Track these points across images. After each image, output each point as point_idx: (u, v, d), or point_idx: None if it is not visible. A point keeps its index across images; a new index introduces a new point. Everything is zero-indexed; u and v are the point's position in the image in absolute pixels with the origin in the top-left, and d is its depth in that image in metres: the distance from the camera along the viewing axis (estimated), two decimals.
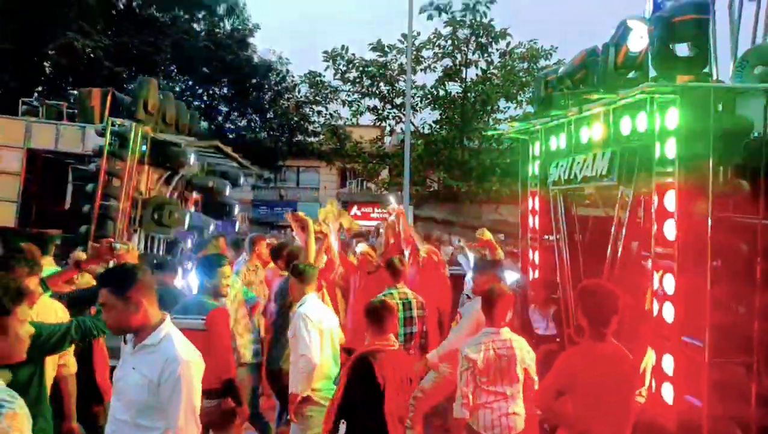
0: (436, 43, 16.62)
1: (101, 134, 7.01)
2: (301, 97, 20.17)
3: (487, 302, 3.77)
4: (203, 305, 3.85)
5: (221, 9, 20.69)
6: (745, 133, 3.63)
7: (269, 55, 21.38)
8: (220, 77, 20.02)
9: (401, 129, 19.40)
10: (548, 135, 5.48)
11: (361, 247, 6.66)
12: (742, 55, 4.88)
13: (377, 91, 18.20)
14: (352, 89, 18.46)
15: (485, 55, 16.61)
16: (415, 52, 16.38)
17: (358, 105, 18.91)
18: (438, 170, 19.02)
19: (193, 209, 9.31)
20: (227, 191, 9.35)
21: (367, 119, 20.17)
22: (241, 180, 10.15)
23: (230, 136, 20.80)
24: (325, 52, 17.38)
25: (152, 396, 2.27)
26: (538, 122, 5.60)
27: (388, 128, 20.35)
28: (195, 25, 20.02)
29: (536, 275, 5.69)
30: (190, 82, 20.97)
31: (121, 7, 18.64)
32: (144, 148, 7.32)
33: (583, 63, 4.86)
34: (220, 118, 21.90)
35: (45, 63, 17.31)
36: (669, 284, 3.61)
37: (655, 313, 3.72)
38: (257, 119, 22.17)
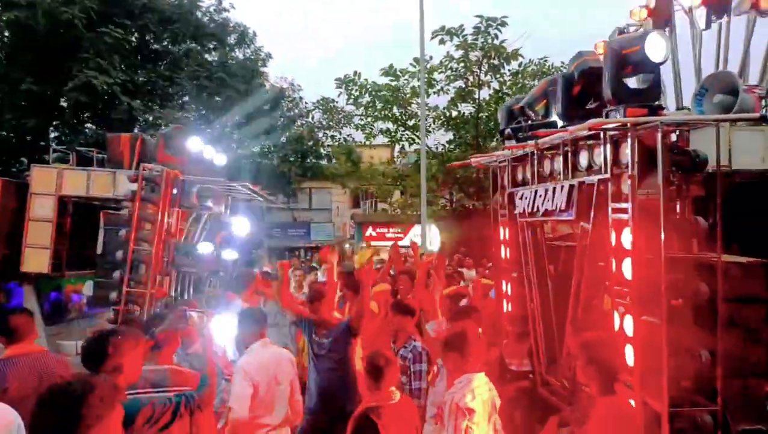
0: (448, 66, 16.72)
1: (134, 179, 7.10)
2: (314, 122, 20.36)
3: (461, 346, 3.57)
4: None
5: (232, 39, 20.99)
6: (699, 166, 3.49)
7: (281, 83, 21.64)
8: (233, 106, 20.24)
9: (414, 150, 19.52)
10: (514, 165, 5.31)
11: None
12: (701, 83, 4.80)
13: (390, 115, 18.29)
14: (364, 113, 18.59)
15: (497, 75, 16.68)
16: (427, 76, 16.48)
17: (371, 128, 19.03)
18: (453, 189, 19.05)
19: (219, 244, 9.40)
20: (253, 227, 9.46)
21: (380, 139, 20.32)
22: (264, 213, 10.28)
23: (243, 162, 21.01)
24: (338, 79, 17.52)
25: None
26: (497, 154, 5.49)
27: (398, 149, 20.48)
28: (207, 56, 20.28)
29: (509, 308, 5.47)
30: (203, 111, 21.22)
31: (134, 41, 18.91)
32: (175, 191, 7.42)
33: (544, 92, 4.75)
34: (233, 144, 22.11)
35: (61, 100, 17.55)
36: (629, 325, 3.46)
37: (630, 355, 3.50)
38: (270, 144, 22.37)
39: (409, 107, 18.13)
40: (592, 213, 3.96)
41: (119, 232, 7.25)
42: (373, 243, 21.47)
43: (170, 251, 7.54)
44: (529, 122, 4.85)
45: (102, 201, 8.16)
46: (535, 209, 4.69)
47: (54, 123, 18.51)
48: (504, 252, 5.62)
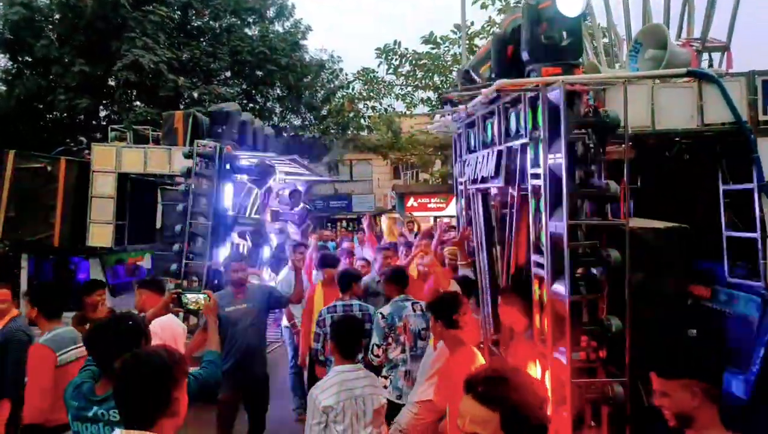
0: (490, 32, 16.36)
1: (188, 155, 7.34)
2: (354, 93, 20.35)
3: (339, 335, 3.41)
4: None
5: (271, 12, 21.03)
6: (609, 128, 3.26)
7: (321, 55, 21.65)
8: (273, 79, 20.40)
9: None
10: (468, 131, 5.07)
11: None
12: (635, 37, 4.51)
13: (431, 83, 18.13)
14: (405, 83, 18.48)
15: None
16: (468, 42, 16.18)
17: (412, 98, 18.93)
18: None
19: (268, 217, 9.65)
20: (302, 199, 9.67)
21: (420, 109, 20.19)
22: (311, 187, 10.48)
23: (285, 135, 21.24)
24: (378, 48, 17.43)
25: None
26: (442, 121, 5.38)
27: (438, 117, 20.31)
28: (248, 31, 20.39)
29: None
30: (244, 86, 21.47)
31: (177, 18, 19.17)
32: (227, 166, 7.63)
33: (488, 54, 4.46)
34: (275, 118, 22.35)
35: (110, 80, 18.05)
36: (544, 294, 3.38)
37: (538, 325, 3.44)
38: (311, 117, 22.51)
39: (450, 75, 17.90)
40: (517, 179, 3.88)
41: (177, 207, 7.54)
42: (415, 213, 21.62)
43: (225, 224, 7.80)
44: (468, 85, 4.68)
45: (159, 177, 8.47)
46: (476, 176, 4.60)
47: (104, 102, 19.11)
48: (459, 222, 5.57)
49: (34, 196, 7.84)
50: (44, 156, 8.18)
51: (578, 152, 3.30)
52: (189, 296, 3.70)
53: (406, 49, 17.56)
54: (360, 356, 4.58)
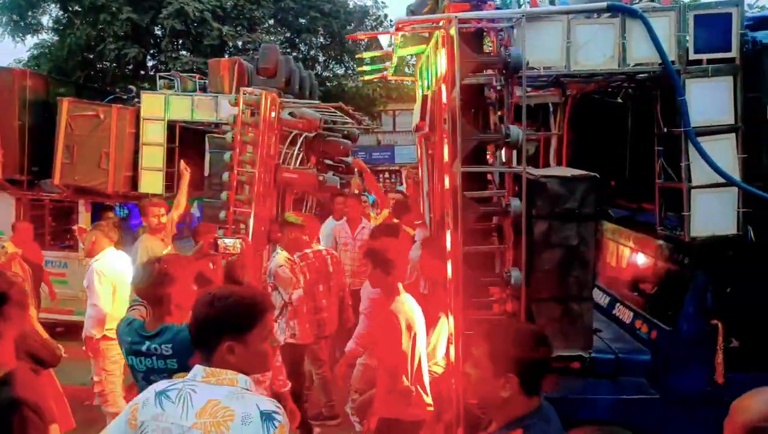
0: None
1: (234, 103, 7.33)
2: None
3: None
4: None
5: None
6: (512, 69, 3.07)
7: (364, 0, 21.13)
8: (317, 27, 20.07)
9: None
10: (422, 77, 4.95)
11: None
12: None
13: None
14: None
15: None
16: None
17: None
18: None
19: (313, 166, 9.65)
20: (348, 150, 9.60)
21: None
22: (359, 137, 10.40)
23: (328, 84, 21.02)
24: None
25: None
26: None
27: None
28: None
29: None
30: (288, 34, 21.24)
31: None
32: (273, 114, 7.61)
33: None
34: (318, 67, 22.11)
35: (157, 29, 18.14)
36: (447, 241, 3.37)
37: (450, 274, 3.36)
38: (355, 66, 22.16)
39: None
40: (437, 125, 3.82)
41: (224, 155, 7.59)
42: None
43: (271, 172, 7.85)
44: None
45: (206, 125, 8.55)
46: (415, 123, 4.59)
47: (151, 52, 19.31)
48: (419, 169, 5.63)
49: (88, 143, 8.04)
50: (97, 104, 8.34)
51: (484, 95, 3.22)
52: (226, 241, 3.79)
53: None
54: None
